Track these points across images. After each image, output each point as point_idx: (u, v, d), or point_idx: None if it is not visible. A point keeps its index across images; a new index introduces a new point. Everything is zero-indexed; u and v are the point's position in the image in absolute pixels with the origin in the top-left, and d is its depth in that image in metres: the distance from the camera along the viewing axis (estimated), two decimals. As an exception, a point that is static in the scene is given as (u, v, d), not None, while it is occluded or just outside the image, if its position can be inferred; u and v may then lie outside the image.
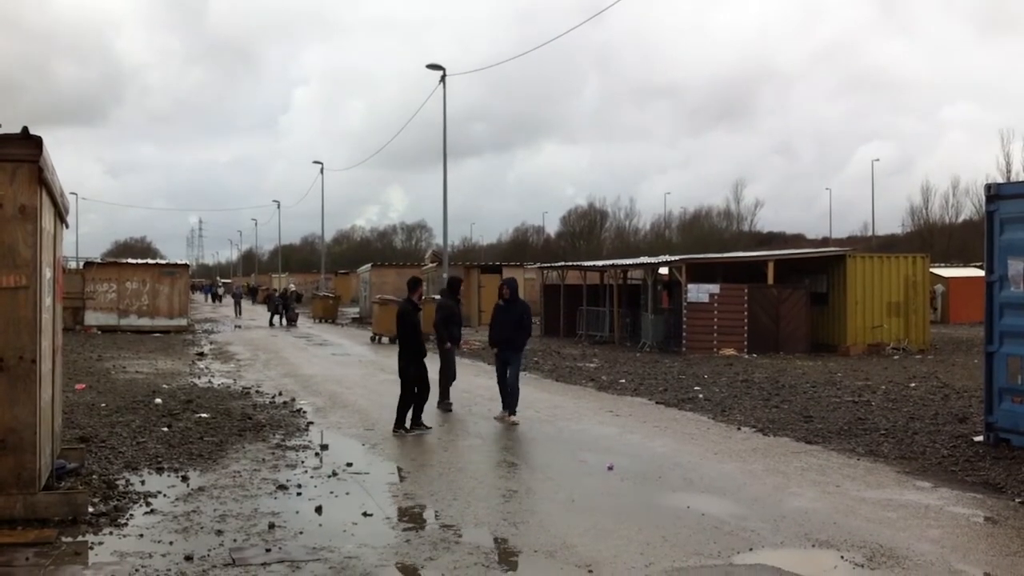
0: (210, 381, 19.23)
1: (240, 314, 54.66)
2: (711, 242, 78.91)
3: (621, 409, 15.20)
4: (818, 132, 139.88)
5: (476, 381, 18.65)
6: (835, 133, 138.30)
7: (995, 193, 11.54)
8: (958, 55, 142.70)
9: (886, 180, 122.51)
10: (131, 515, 8.03)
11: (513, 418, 13.37)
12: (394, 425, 12.67)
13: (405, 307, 13.34)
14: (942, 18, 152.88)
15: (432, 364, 13.33)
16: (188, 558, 6.78)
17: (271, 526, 7.71)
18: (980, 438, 11.66)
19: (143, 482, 9.34)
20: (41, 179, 7.55)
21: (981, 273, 14.25)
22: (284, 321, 44.23)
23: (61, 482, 8.78)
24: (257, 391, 17.39)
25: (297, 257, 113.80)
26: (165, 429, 12.46)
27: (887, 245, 69.94)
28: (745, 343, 26.21)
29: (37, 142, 7.40)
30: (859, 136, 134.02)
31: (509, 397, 13.54)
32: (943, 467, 10.37)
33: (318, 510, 8.29)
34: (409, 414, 12.75)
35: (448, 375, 14.77)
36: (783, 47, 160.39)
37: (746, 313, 26.37)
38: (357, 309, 56.58)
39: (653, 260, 32.08)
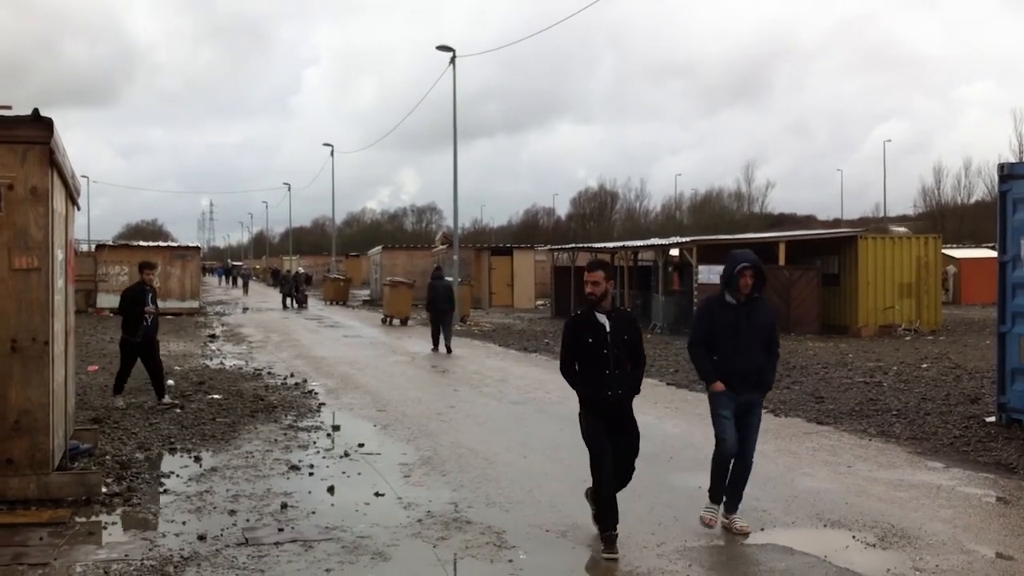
0: (222, 363, 19.30)
1: (247, 293, 57.72)
2: (722, 224, 78.56)
3: (632, 390, 15.16)
4: (832, 111, 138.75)
5: (487, 363, 18.54)
6: (850, 112, 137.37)
7: (1008, 173, 11.47)
8: (977, 32, 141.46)
9: (902, 160, 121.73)
10: (144, 495, 8.07)
11: (742, 524, 7.20)
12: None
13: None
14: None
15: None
16: (201, 537, 6.82)
17: (283, 506, 7.75)
18: (992, 418, 11.63)
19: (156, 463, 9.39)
20: (52, 161, 7.56)
21: (993, 254, 14.17)
22: (295, 303, 44.39)
23: (75, 463, 8.84)
24: (269, 372, 17.44)
25: (308, 239, 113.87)
26: (178, 410, 12.52)
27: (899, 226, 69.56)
28: (756, 324, 26.09)
29: (48, 124, 7.41)
30: (874, 116, 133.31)
31: (740, 479, 7.35)
32: (955, 447, 10.35)
33: (330, 490, 8.33)
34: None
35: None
36: (800, 22, 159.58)
37: (757, 294, 26.25)
38: (368, 291, 56.72)
39: (664, 242, 31.99)
